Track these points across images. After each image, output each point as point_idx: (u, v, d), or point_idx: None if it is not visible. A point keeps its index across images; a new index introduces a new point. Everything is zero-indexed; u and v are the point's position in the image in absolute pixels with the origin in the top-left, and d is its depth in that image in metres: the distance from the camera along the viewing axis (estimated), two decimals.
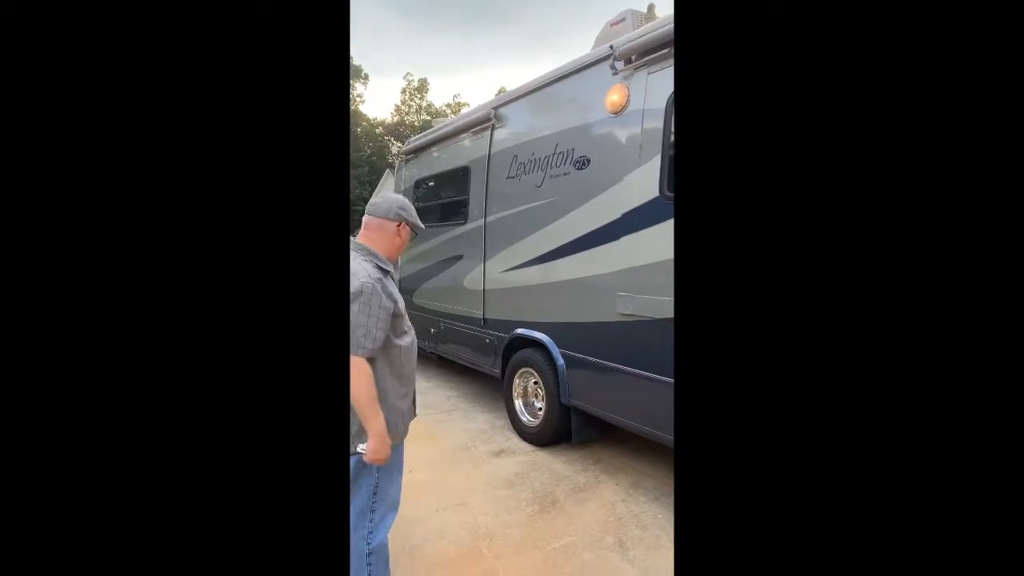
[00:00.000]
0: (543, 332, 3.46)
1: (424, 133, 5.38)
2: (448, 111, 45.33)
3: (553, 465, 3.26)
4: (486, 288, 4.11)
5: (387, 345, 1.62)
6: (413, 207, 1.81)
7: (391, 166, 40.51)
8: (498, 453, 3.43)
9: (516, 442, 3.63)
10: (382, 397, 1.57)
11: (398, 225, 1.72)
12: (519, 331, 3.70)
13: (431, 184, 5.10)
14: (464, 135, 4.49)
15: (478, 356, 4.30)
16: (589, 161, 3.10)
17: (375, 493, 1.67)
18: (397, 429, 1.66)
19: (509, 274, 3.81)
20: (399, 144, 44.40)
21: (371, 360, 1.55)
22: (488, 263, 4.08)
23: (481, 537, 2.44)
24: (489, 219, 4.06)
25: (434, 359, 5.26)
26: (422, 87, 46.67)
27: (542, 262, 3.44)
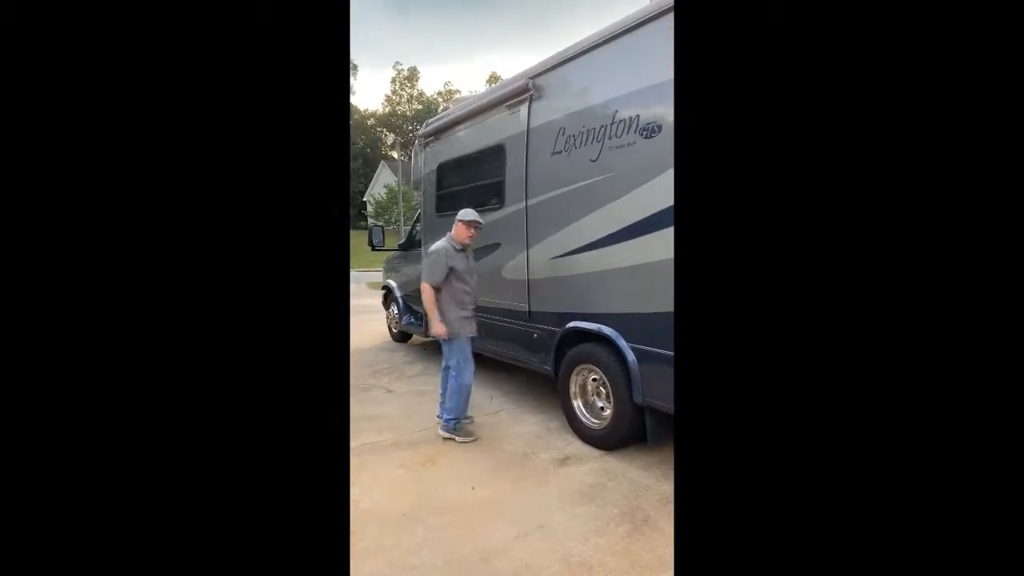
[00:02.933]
0: (607, 324, 3.10)
1: (446, 113, 4.97)
2: (440, 100, 44.65)
3: (629, 472, 2.91)
4: (531, 278, 3.74)
5: (449, 285, 3.34)
6: (468, 214, 3.43)
7: (385, 158, 39.91)
8: (563, 461, 3.09)
9: (579, 446, 3.29)
10: (442, 310, 3.36)
11: (458, 225, 3.40)
12: (575, 324, 3.34)
13: (458, 167, 4.69)
14: (495, 111, 4.08)
15: (524, 353, 3.94)
16: (660, 128, 2.72)
17: (456, 361, 3.43)
18: (455, 329, 3.37)
19: (560, 261, 3.43)
20: (393, 135, 43.93)
21: (437, 289, 3.34)
22: (532, 250, 3.70)
23: (577, 569, 2.09)
24: (531, 201, 3.67)
25: None
26: (412, 76, 45.94)
27: (603, 246, 3.06)
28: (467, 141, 4.51)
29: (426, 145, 5.20)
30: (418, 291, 5.60)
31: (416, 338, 6.49)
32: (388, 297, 6.63)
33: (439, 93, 45.34)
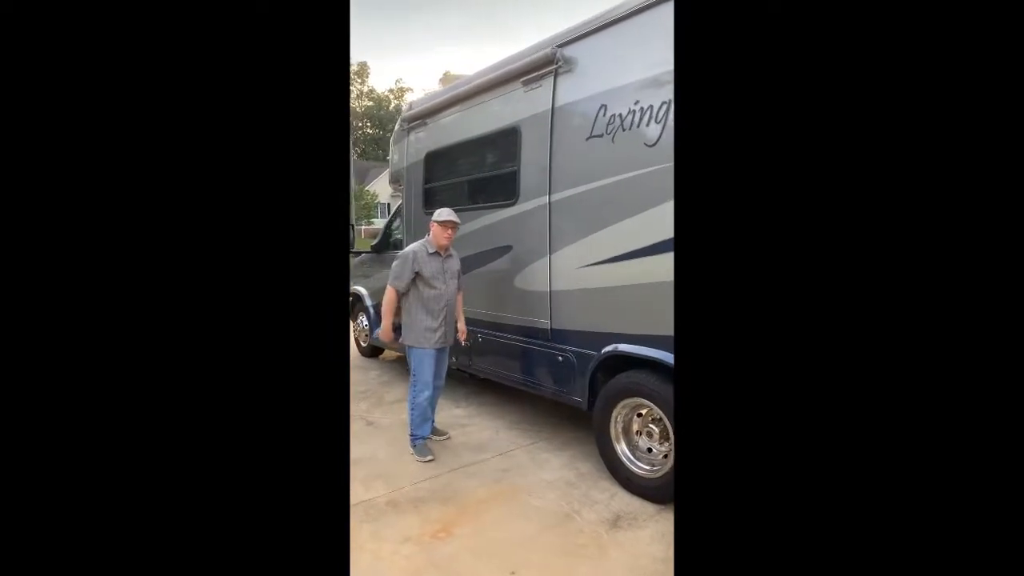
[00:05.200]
0: (665, 349, 2.49)
1: (438, 92, 4.24)
2: (391, 96, 43.26)
3: None
4: (554, 289, 3.09)
5: (417, 289, 3.11)
6: (444, 212, 3.12)
7: None
8: (614, 522, 2.45)
9: (626, 499, 2.66)
10: (409, 315, 3.15)
11: (432, 226, 3.13)
12: (618, 347, 2.72)
13: (453, 156, 3.98)
14: (505, 88, 3.40)
15: (542, 379, 3.28)
16: None
17: (414, 376, 3.16)
18: (420, 340, 3.11)
19: (597, 270, 2.80)
20: None
21: (404, 294, 3.13)
22: (556, 256, 3.05)
23: None
24: (556, 196, 3.03)
25: (465, 378, 4.18)
26: (362, 71, 44.35)
27: (664, 251, 2.44)
28: (466, 125, 3.80)
29: (410, 131, 4.46)
30: None
31: (388, 353, 5.70)
32: (356, 306, 5.78)
33: (391, 91, 43.98)
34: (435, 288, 3.10)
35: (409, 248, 3.16)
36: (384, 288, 4.85)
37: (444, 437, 3.42)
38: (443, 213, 3.12)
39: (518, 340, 3.41)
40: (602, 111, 2.76)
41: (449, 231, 3.11)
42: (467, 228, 3.74)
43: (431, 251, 3.12)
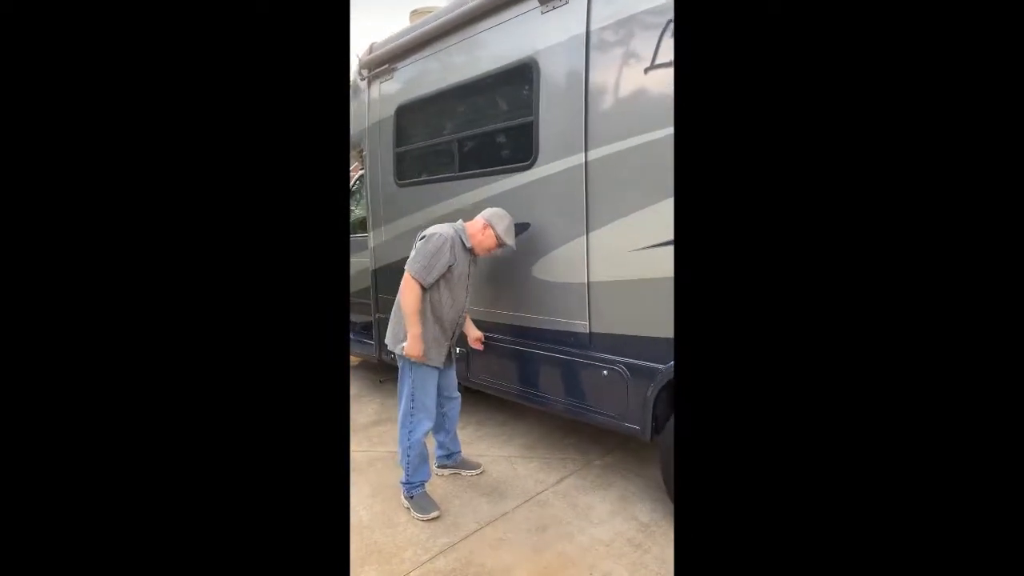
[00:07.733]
0: None
1: (413, 26, 3.28)
2: None
3: None
4: (594, 280, 2.31)
5: (435, 290, 2.25)
6: (509, 223, 2.35)
7: None
8: None
9: None
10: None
11: (484, 227, 2.31)
12: None
13: (435, 109, 3.07)
14: (512, 11, 2.53)
15: (577, 398, 2.50)
16: None
17: (412, 402, 2.31)
18: (428, 354, 2.27)
19: (662, 254, 2.03)
20: None
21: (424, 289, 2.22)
22: (598, 235, 2.27)
23: None
24: (597, 153, 2.23)
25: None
26: None
27: None
28: (453, 66, 2.90)
29: (372, 80, 3.49)
30: (359, 293, 3.94)
31: (350, 356, 4.77)
32: None
33: None
34: (457, 295, 2.34)
35: (445, 231, 2.27)
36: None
37: (476, 471, 2.70)
38: (506, 224, 2.34)
39: (539, 347, 2.61)
40: (670, 29, 1.96)
41: (496, 248, 2.38)
42: (460, 202, 2.88)
43: (467, 244, 2.32)
